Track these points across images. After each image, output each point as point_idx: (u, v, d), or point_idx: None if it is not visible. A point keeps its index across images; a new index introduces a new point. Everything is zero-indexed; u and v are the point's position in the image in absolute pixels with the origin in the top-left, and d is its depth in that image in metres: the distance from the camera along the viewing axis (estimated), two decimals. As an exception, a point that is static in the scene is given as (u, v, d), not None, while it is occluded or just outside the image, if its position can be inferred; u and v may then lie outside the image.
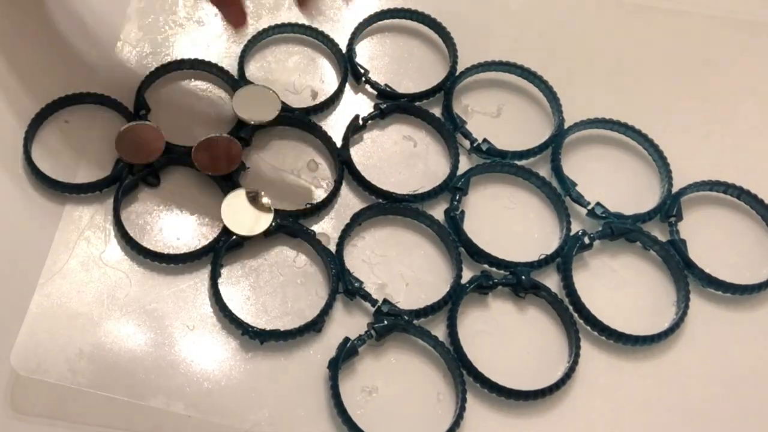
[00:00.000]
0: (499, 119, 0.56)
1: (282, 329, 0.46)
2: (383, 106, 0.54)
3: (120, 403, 0.44)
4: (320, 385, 0.45)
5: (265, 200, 0.49)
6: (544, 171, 0.54)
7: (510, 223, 0.52)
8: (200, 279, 0.48)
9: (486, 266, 0.50)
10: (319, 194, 0.51)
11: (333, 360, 0.45)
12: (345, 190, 0.52)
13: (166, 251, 0.48)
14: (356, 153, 0.53)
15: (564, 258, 0.50)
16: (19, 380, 0.44)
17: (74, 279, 0.47)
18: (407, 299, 0.48)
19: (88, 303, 0.46)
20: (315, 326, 0.46)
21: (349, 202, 0.51)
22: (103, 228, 0.49)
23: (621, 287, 0.50)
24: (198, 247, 0.48)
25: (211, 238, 0.48)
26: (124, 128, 0.50)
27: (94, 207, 0.49)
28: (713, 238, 0.53)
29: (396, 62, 0.58)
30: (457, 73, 0.56)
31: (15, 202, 0.49)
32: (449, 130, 0.54)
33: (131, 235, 0.48)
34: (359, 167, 0.52)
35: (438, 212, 0.51)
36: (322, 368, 0.46)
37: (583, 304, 0.48)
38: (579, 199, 0.52)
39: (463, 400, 0.45)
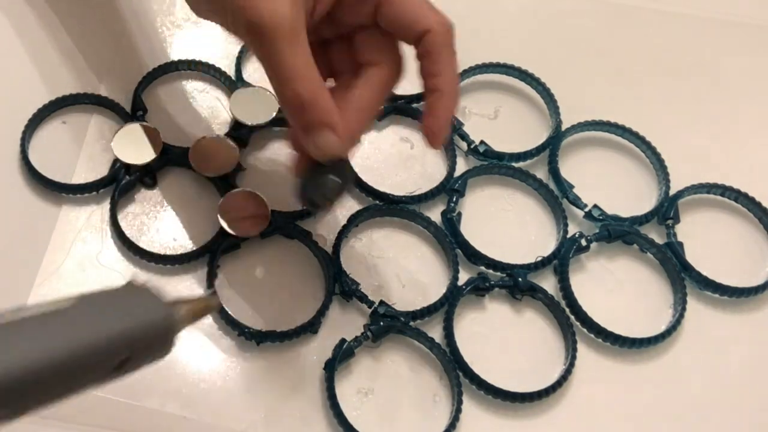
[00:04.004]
0: (497, 121, 0.56)
1: (278, 330, 0.46)
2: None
3: (115, 404, 0.44)
4: (316, 386, 0.45)
5: (262, 201, 0.49)
6: (542, 173, 0.54)
7: (507, 225, 0.52)
8: (197, 280, 0.48)
9: (483, 268, 0.50)
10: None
11: (329, 361, 0.45)
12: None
13: (162, 252, 0.48)
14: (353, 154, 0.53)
15: (561, 260, 0.50)
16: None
17: (71, 279, 0.47)
18: (404, 301, 0.48)
19: (85, 303, 0.46)
20: (311, 327, 0.46)
21: (346, 203, 0.51)
22: (100, 228, 0.49)
23: (618, 290, 0.50)
24: (195, 248, 0.48)
25: (207, 239, 0.48)
26: (121, 129, 0.50)
27: (90, 207, 0.49)
28: (710, 241, 0.53)
29: (394, 64, 0.57)
30: (455, 75, 0.56)
31: (12, 203, 0.49)
32: (446, 130, 0.54)
33: (128, 236, 0.48)
34: (356, 168, 0.52)
35: (435, 214, 0.51)
36: (318, 369, 0.46)
37: (579, 306, 0.48)
38: (576, 201, 0.52)
39: (459, 402, 0.45)
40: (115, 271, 0.47)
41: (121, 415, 0.43)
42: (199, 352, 0.46)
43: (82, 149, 0.51)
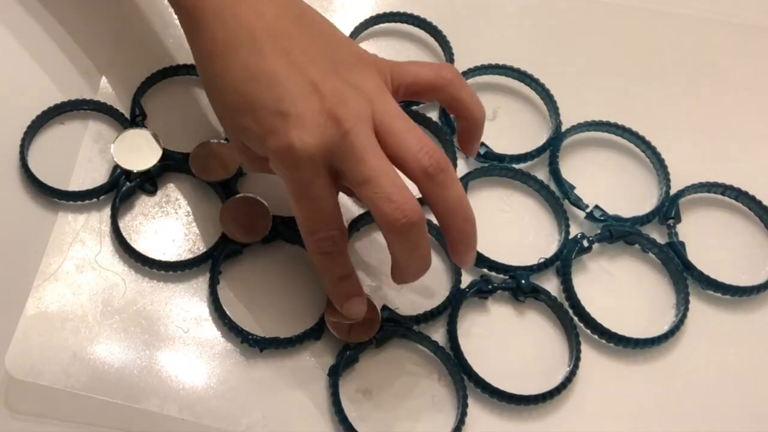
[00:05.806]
0: (496, 122, 0.56)
1: (281, 337, 0.46)
2: (380, 110, 0.54)
3: (114, 406, 0.44)
4: (318, 390, 0.45)
5: (263, 207, 0.49)
6: (542, 174, 0.54)
7: (508, 227, 0.52)
8: (198, 284, 0.48)
9: (485, 270, 0.50)
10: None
11: (333, 367, 0.45)
12: (343, 197, 0.51)
13: (164, 259, 0.48)
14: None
15: (563, 261, 0.50)
16: (13, 383, 0.44)
17: (69, 282, 0.47)
18: (406, 305, 0.48)
19: (83, 306, 0.46)
20: (314, 333, 0.46)
21: (348, 206, 0.51)
22: (99, 231, 0.48)
23: (620, 290, 0.50)
24: (196, 255, 0.48)
25: (209, 245, 0.48)
26: (120, 135, 0.50)
27: (90, 212, 0.49)
28: (712, 240, 0.53)
29: (393, 66, 0.57)
30: (454, 77, 0.56)
31: (10, 207, 0.49)
32: (446, 134, 0.54)
33: (130, 243, 0.47)
34: (357, 172, 0.52)
35: (436, 217, 0.51)
36: (320, 374, 0.45)
37: (582, 307, 0.48)
38: (577, 202, 0.52)
39: (464, 405, 0.45)
40: (113, 272, 0.47)
41: (120, 416, 0.43)
42: (200, 356, 0.45)
43: (81, 155, 0.51)
